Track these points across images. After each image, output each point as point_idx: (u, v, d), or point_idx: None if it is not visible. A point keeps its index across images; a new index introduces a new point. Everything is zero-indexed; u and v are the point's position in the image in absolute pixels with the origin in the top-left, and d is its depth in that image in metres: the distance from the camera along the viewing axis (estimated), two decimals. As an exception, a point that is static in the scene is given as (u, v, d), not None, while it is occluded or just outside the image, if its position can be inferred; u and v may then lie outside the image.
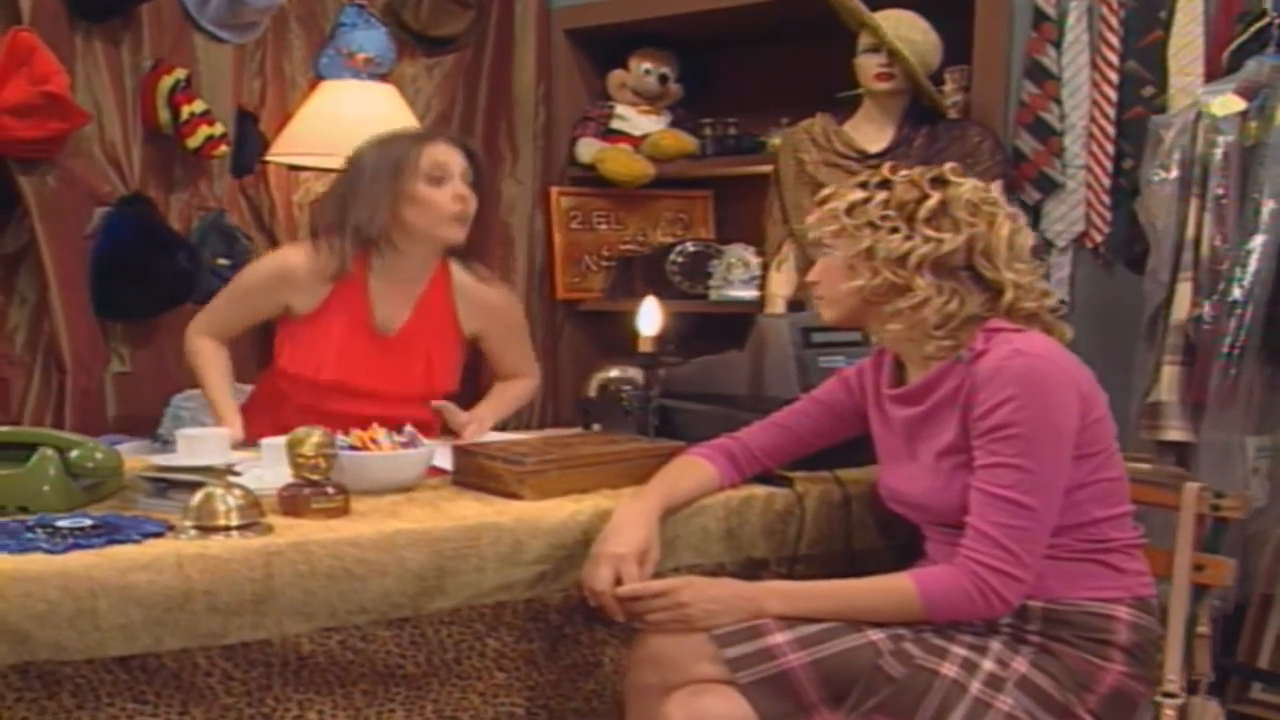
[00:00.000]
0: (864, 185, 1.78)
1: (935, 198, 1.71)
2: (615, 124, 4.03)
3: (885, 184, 1.76)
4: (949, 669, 1.58)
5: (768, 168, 3.82)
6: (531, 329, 3.14)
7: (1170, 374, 2.47)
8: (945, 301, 1.69)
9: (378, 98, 3.30)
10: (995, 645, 1.63)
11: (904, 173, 1.77)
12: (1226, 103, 2.40)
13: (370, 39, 3.49)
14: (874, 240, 1.72)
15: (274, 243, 3.37)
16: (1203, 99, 2.48)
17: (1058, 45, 3.23)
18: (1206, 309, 2.40)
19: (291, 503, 1.74)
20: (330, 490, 1.76)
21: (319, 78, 3.48)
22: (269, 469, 1.96)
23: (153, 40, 2.99)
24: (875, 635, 1.62)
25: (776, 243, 3.23)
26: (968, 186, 1.73)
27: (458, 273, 2.52)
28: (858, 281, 1.74)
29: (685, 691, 1.61)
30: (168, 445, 2.82)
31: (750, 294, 3.82)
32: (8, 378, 2.78)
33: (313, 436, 1.75)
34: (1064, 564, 1.65)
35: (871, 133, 3.12)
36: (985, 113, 3.28)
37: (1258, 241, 2.33)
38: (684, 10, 3.81)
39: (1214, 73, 2.98)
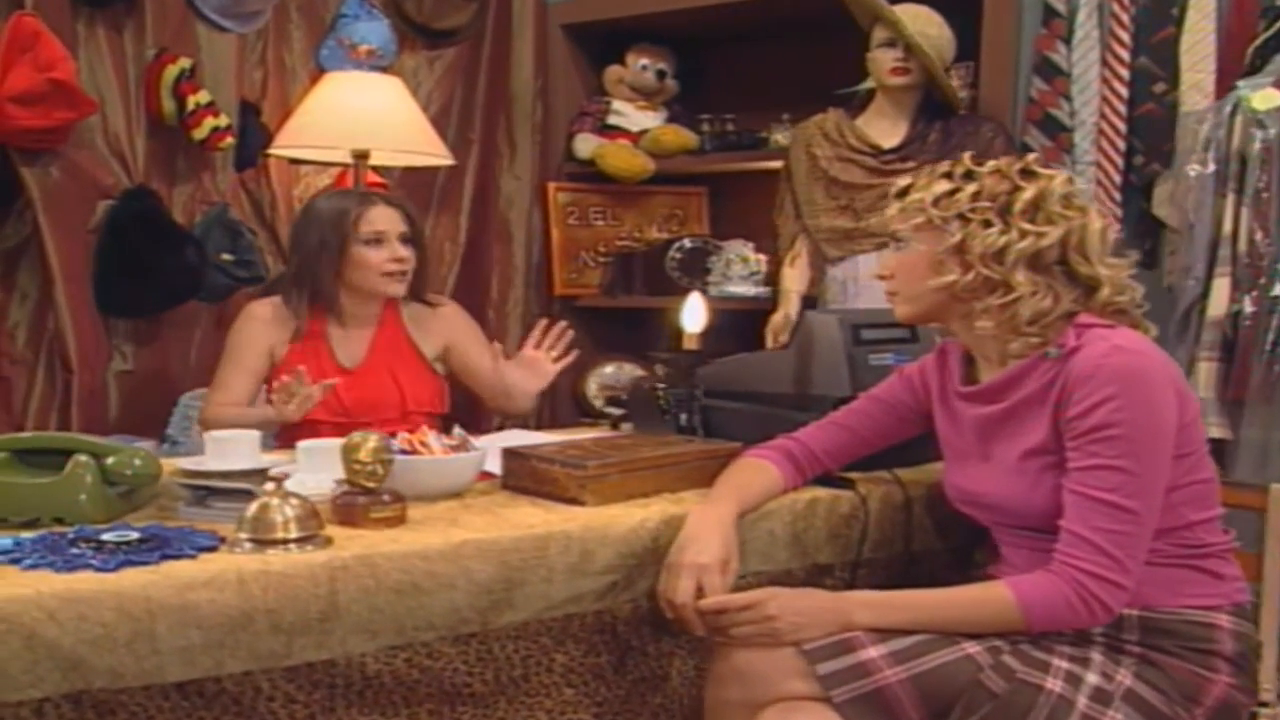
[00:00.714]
0: (948, 176, 1.64)
1: (1030, 190, 1.58)
2: (612, 119, 3.89)
3: (970, 175, 1.63)
4: (1053, 683, 1.46)
5: (767, 164, 3.72)
6: (530, 325, 3.03)
7: (1207, 370, 2.37)
8: (1041, 298, 1.56)
9: (384, 89, 3.12)
10: (1096, 657, 1.51)
11: (990, 164, 1.64)
12: (1267, 96, 2.31)
13: (372, 30, 3.32)
14: (966, 234, 1.58)
15: (275, 238, 3.19)
16: (1242, 93, 2.37)
17: (1068, 41, 3.13)
18: (1247, 304, 2.30)
19: (348, 512, 1.58)
20: (386, 498, 1.60)
21: (320, 69, 3.30)
22: (308, 475, 1.80)
23: (155, 28, 2.81)
24: (971, 648, 1.50)
25: (790, 238, 3.10)
26: (1059, 179, 1.60)
27: (405, 306, 2.60)
28: (947, 278, 1.60)
29: (776, 710, 1.48)
30: (177, 446, 2.65)
31: (750, 290, 3.71)
32: (9, 377, 2.59)
33: (369, 441, 1.59)
34: (1160, 570, 1.53)
35: (885, 128, 3.00)
36: (993, 109, 3.17)
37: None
38: (680, 6, 3.68)
39: (1228, 69, 2.91)
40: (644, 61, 3.90)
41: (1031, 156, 1.66)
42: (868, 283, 2.95)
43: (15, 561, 1.38)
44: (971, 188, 1.61)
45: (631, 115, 3.88)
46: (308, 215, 2.52)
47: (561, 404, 3.89)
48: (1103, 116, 3.08)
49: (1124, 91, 3.05)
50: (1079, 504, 1.50)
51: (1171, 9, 2.99)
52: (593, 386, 3.92)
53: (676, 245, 3.84)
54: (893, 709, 1.46)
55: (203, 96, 2.77)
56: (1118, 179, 3.06)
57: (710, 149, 3.77)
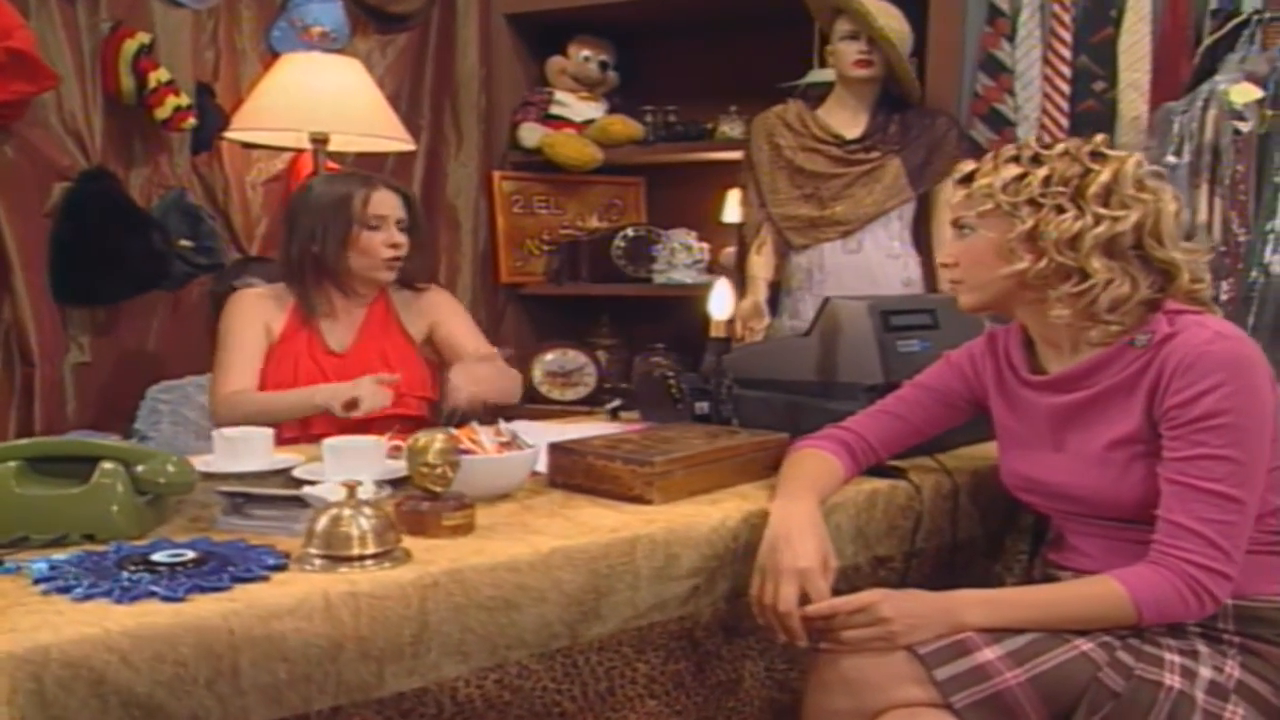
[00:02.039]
0: (1016, 160, 1.47)
1: (1105, 173, 1.41)
2: (555, 109, 3.65)
3: (1038, 159, 1.46)
4: (1171, 679, 1.31)
5: (712, 154, 3.54)
6: (475, 313, 2.90)
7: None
8: (1118, 285, 1.40)
9: (343, 71, 2.82)
10: (1203, 649, 1.37)
11: (1059, 146, 1.47)
12: (1244, 91, 2.22)
13: (326, 12, 3.01)
14: (1038, 220, 1.41)
15: (229, 224, 2.86)
16: (1219, 87, 2.28)
17: (1011, 39, 3.03)
18: (1224, 290, 2.22)
19: (417, 520, 1.33)
20: (454, 503, 1.36)
21: (271, 51, 2.98)
22: (343, 477, 1.54)
23: (110, 0, 2.45)
24: (1084, 645, 1.34)
25: (755, 226, 2.91)
26: (1131, 160, 1.44)
27: (396, 292, 2.35)
28: (1018, 265, 1.43)
29: (896, 715, 1.30)
30: (147, 442, 2.33)
31: (693, 277, 3.53)
32: (-39, 372, 2.24)
33: (436, 442, 1.35)
34: (1250, 557, 1.40)
35: (846, 118, 2.84)
36: (939, 103, 3.04)
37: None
38: (620, -1, 3.47)
39: (1163, 69, 2.85)
40: (586, 53, 3.67)
41: (1100, 138, 1.49)
42: (834, 270, 2.81)
43: (64, 590, 1.10)
44: (1042, 172, 1.43)
45: (574, 106, 3.65)
46: (308, 197, 2.22)
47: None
48: (1045, 112, 3.00)
49: (1065, 88, 2.97)
50: (1183, 494, 1.35)
51: (1110, 10, 2.92)
52: (538, 373, 3.68)
53: (621, 234, 3.64)
54: (1013, 712, 1.30)
55: (163, 74, 2.44)
56: (1061, 171, 2.97)
57: (654, 140, 3.56)
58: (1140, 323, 1.42)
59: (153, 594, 1.09)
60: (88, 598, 1.08)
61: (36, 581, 1.13)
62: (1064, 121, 2.97)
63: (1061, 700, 1.30)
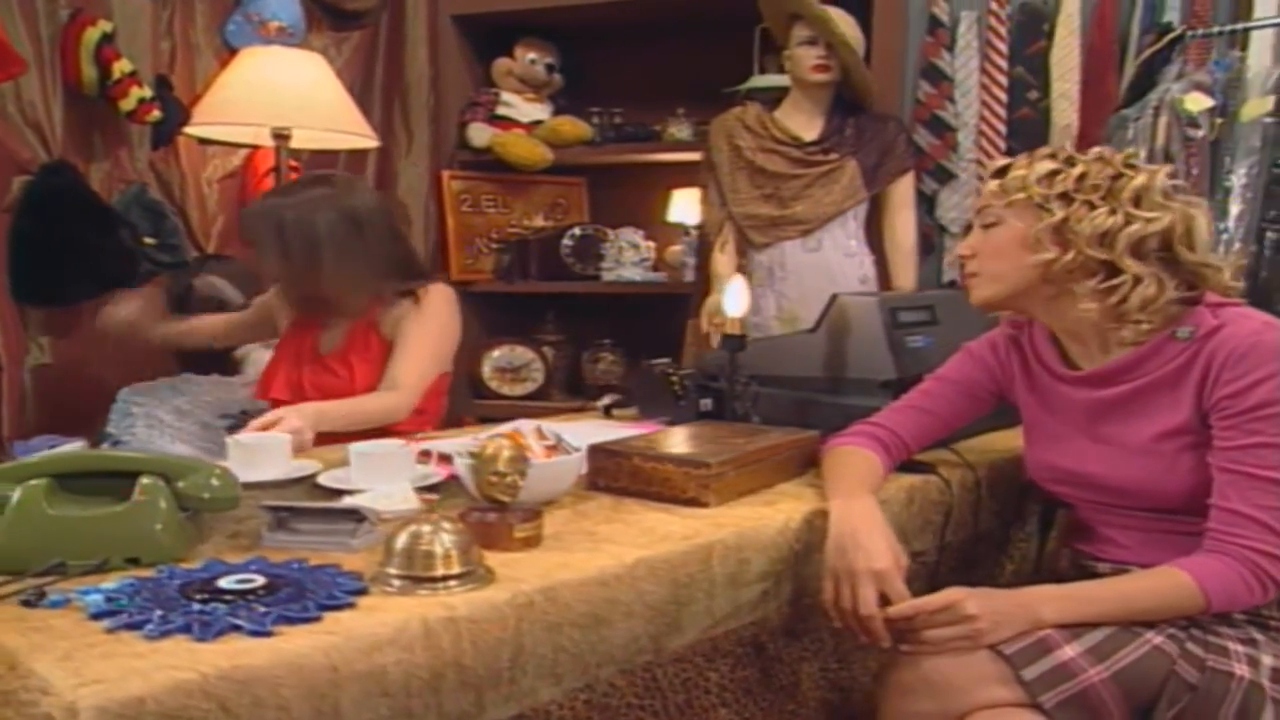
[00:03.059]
0: (1052, 157, 1.40)
1: (1140, 178, 1.35)
2: (501, 110, 3.47)
3: (1072, 160, 1.39)
4: (1240, 668, 1.24)
5: (657, 156, 3.42)
6: None
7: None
8: (1147, 285, 1.33)
9: (307, 65, 2.60)
10: (1259, 637, 1.31)
11: (1094, 150, 1.41)
12: (1197, 100, 2.20)
13: (283, 7, 2.78)
14: (1069, 213, 1.34)
15: (186, 221, 2.62)
16: (1172, 96, 2.26)
17: (951, 49, 2.99)
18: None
19: (489, 532, 1.17)
20: (521, 513, 1.21)
21: (226, 45, 2.73)
22: (383, 485, 1.38)
23: (68, -14, 2.20)
24: (1155, 638, 1.26)
25: (717, 225, 2.80)
26: (1162, 173, 1.38)
27: (394, 299, 2.10)
28: (1044, 256, 1.35)
29: (986, 717, 1.20)
30: (119, 445, 2.10)
31: (640, 275, 3.41)
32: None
33: (504, 450, 1.19)
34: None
35: (803, 121, 2.75)
36: (884, 109, 2.96)
37: (1233, 212, 2.14)
38: (565, 3, 3.31)
39: (1090, 81, 2.84)
40: (532, 55, 3.50)
41: (1128, 151, 1.43)
42: (795, 268, 2.72)
43: (134, 626, 0.92)
44: (1077, 170, 1.37)
45: (520, 107, 3.48)
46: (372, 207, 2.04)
47: (457, 387, 3.45)
48: (983, 119, 2.96)
49: (1002, 96, 2.94)
50: (1239, 483, 1.28)
51: (1042, 25, 2.90)
52: (486, 369, 3.50)
53: (568, 233, 3.48)
54: (1097, 709, 1.21)
55: (125, 64, 2.19)
56: (1000, 175, 2.94)
57: (604, 141, 3.42)
58: (1171, 319, 1.36)
59: (236, 628, 0.92)
60: (164, 634, 0.90)
61: (96, 616, 0.94)
62: (1001, 128, 2.94)
63: (1141, 695, 1.23)
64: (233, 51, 2.72)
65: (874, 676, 1.40)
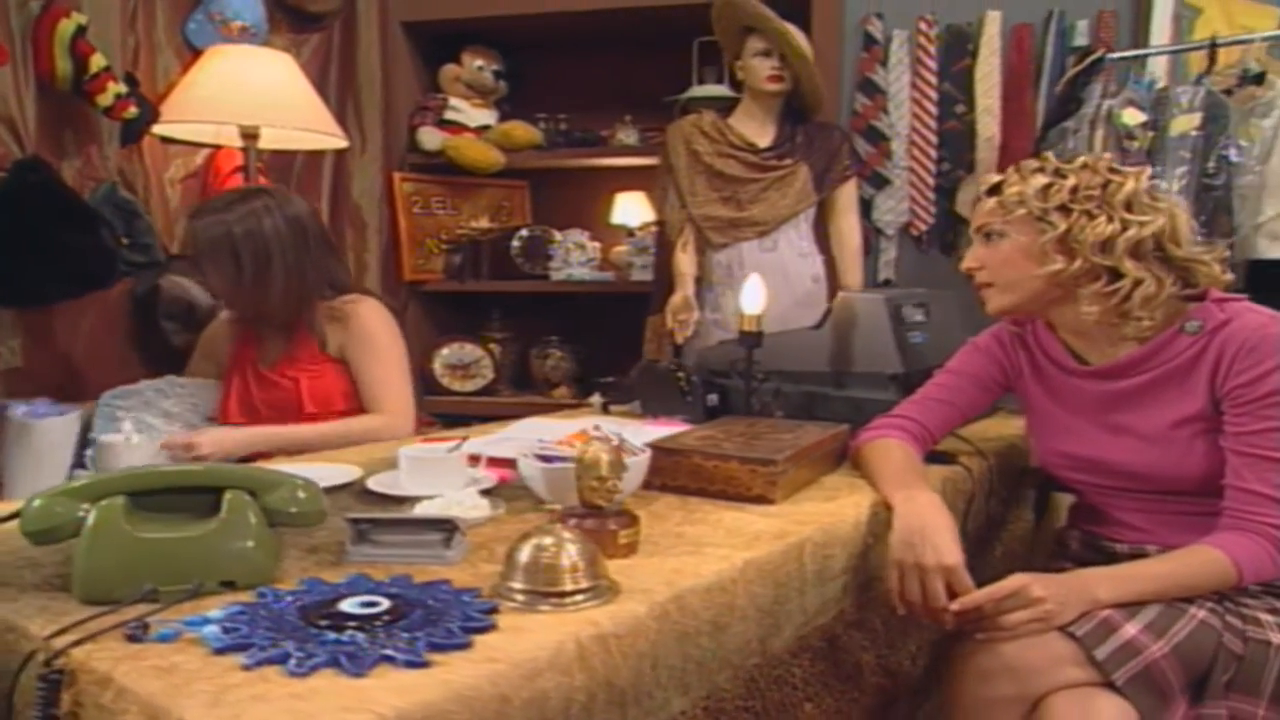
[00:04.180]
0: (1041, 171, 1.37)
1: (1129, 183, 1.33)
2: (450, 115, 3.30)
3: (1061, 172, 1.37)
4: (1275, 636, 1.23)
5: (605, 160, 3.30)
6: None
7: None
8: (1148, 284, 1.32)
9: (277, 65, 2.39)
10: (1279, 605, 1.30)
11: (1078, 160, 1.39)
12: (1133, 115, 2.22)
13: (246, 6, 2.55)
14: (1071, 224, 1.32)
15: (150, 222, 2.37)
16: (1110, 110, 2.27)
17: (885, 65, 2.97)
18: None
19: (594, 539, 1.05)
20: (619, 518, 1.10)
21: (188, 44, 2.50)
22: (432, 491, 1.24)
23: (39, -23, 1.95)
24: (1199, 613, 1.23)
25: (677, 226, 2.70)
26: (1144, 175, 1.37)
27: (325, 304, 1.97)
28: (1051, 267, 1.33)
29: (1065, 697, 1.15)
30: (106, 450, 1.87)
31: (587, 274, 3.29)
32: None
33: (604, 455, 1.08)
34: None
35: (756, 128, 2.68)
36: (823, 119, 2.93)
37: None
38: (513, 12, 3.17)
39: (1010, 96, 2.86)
40: (480, 62, 3.34)
41: (1108, 156, 1.42)
42: (753, 266, 2.63)
43: (276, 661, 0.77)
44: (1070, 181, 1.35)
45: (468, 112, 3.32)
46: (310, 216, 1.93)
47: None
48: (914, 129, 2.96)
49: (932, 109, 2.94)
50: (1256, 465, 1.27)
51: (967, 45, 2.92)
52: (437, 365, 3.33)
53: (517, 234, 3.34)
54: (1159, 683, 1.18)
55: (100, 59, 1.96)
56: (931, 181, 2.95)
57: (554, 145, 3.29)
58: (1175, 315, 1.35)
59: (388, 659, 0.78)
60: (312, 670, 0.76)
61: (222, 650, 0.79)
62: (932, 138, 2.94)
63: (1196, 667, 1.20)
64: (194, 50, 2.48)
65: (935, 663, 1.34)
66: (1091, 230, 1.31)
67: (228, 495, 0.96)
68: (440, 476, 1.30)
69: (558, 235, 3.34)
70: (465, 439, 1.35)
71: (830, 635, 1.23)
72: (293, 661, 0.77)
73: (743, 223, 2.65)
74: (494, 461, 1.38)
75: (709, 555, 1.06)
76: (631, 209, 3.41)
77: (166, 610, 0.87)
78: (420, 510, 1.16)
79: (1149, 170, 1.42)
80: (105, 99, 1.94)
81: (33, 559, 1.01)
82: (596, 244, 3.33)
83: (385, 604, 0.87)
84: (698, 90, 3.20)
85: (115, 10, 2.15)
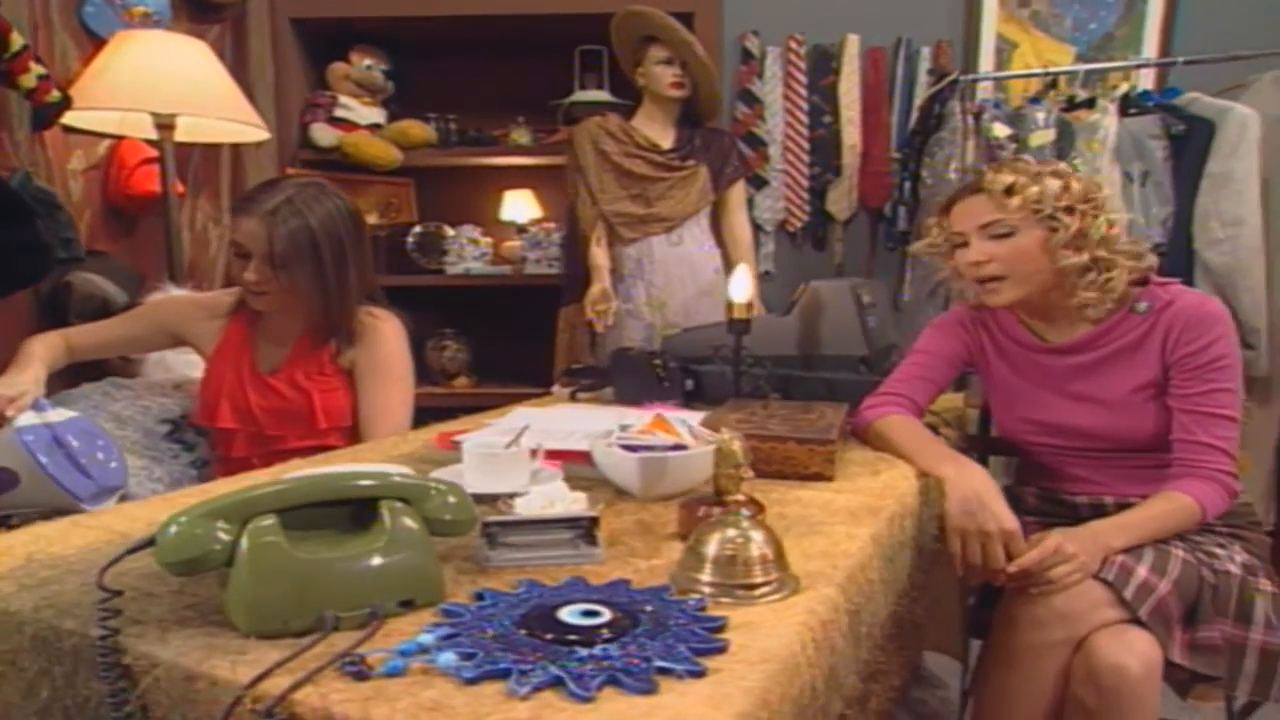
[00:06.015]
0: (1039, 175, 1.41)
1: (1105, 187, 1.41)
2: (340, 112, 3.02)
3: (1057, 174, 1.42)
4: (1232, 567, 1.31)
5: (493, 160, 3.13)
6: None
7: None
8: (1123, 271, 1.40)
9: (192, 52, 2.08)
10: (1223, 539, 1.39)
11: (1052, 166, 1.45)
12: (1002, 128, 2.33)
13: (148, -8, 2.21)
14: (1081, 223, 1.38)
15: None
16: (981, 124, 2.37)
17: (761, 77, 2.98)
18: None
19: (729, 526, 0.96)
20: (745, 506, 1.01)
21: (85, 29, 2.13)
22: (539, 487, 1.11)
23: (-60, -57, 1.59)
24: (1178, 551, 1.30)
25: (590, 222, 2.60)
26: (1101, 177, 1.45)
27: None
28: (1063, 262, 1.38)
29: (1106, 634, 1.19)
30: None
31: (481, 268, 3.11)
32: None
33: (735, 441, 0.99)
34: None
35: (658, 130, 2.62)
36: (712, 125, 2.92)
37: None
38: (400, 14, 2.95)
39: (869, 108, 2.95)
40: (368, 61, 3.08)
41: (1076, 161, 1.49)
42: (661, 260, 2.59)
43: (547, 685, 0.64)
44: (1076, 186, 1.41)
45: (358, 110, 3.05)
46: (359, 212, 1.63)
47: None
48: (788, 136, 2.99)
49: (803, 119, 2.98)
50: (1204, 421, 1.36)
51: (831, 63, 2.98)
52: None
53: (412, 230, 3.11)
54: (1165, 615, 1.23)
55: (19, 37, 1.63)
56: (805, 183, 2.99)
57: (449, 144, 3.08)
58: (1124, 299, 1.42)
59: (666, 671, 0.67)
60: (594, 692, 0.64)
61: (475, 680, 0.65)
62: (805, 144, 2.98)
63: (1187, 599, 1.27)
64: (91, 35, 2.13)
65: (976, 615, 1.34)
66: (1096, 228, 1.37)
67: (385, 507, 0.80)
68: (508, 471, 1.16)
69: (450, 231, 3.14)
70: (525, 429, 1.21)
71: (902, 602, 1.20)
72: (571, 688, 0.64)
73: (651, 219, 2.59)
74: (552, 454, 1.25)
75: (835, 535, 1.00)
76: (520, 206, 3.26)
77: (370, 639, 0.71)
78: (523, 507, 1.03)
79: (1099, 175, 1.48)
80: (28, 80, 1.60)
81: (150, 591, 0.80)
82: (489, 239, 3.16)
83: (604, 616, 0.75)
84: (580, 95, 3.09)
85: (21, -14, 1.79)
